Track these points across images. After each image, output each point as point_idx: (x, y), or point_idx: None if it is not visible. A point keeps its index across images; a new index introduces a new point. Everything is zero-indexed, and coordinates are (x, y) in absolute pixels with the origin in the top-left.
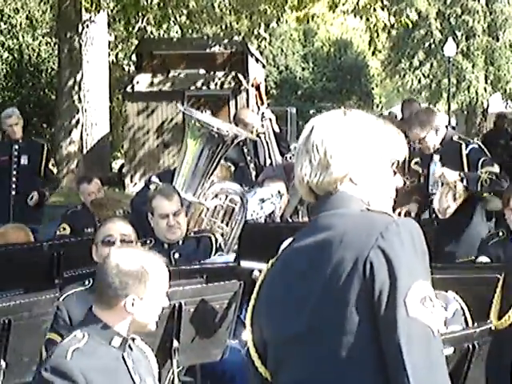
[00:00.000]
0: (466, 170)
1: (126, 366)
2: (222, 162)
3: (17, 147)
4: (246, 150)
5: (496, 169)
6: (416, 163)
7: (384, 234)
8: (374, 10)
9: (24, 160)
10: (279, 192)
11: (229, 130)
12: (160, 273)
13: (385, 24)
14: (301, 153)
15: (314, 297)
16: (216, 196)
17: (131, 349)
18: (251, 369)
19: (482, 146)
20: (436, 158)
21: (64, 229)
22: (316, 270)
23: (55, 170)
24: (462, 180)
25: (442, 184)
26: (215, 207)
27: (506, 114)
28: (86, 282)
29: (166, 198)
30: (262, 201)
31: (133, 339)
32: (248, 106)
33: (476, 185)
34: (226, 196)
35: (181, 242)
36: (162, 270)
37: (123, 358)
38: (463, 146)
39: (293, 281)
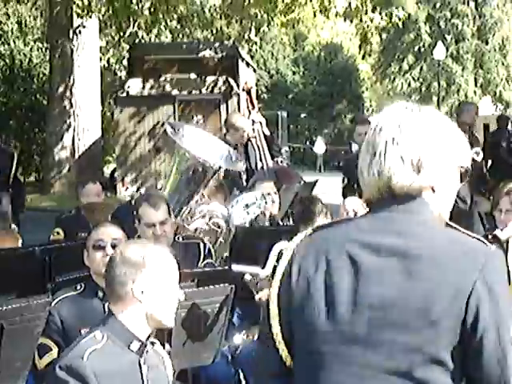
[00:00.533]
0: None
1: (141, 372)
2: (214, 181)
3: None
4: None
5: None
6: None
7: (486, 266)
8: (366, 12)
9: None
10: (263, 195)
11: (215, 163)
12: (163, 263)
13: (376, 26)
14: (387, 147)
15: (398, 307)
16: (203, 217)
17: (148, 353)
18: (269, 355)
19: None
20: None
21: (58, 233)
22: (401, 277)
23: (22, 180)
24: None
25: None
26: (196, 229)
27: (507, 115)
28: (78, 287)
29: (153, 207)
30: (247, 206)
31: (152, 343)
32: (239, 110)
33: None
34: (210, 218)
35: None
36: (166, 261)
37: (139, 363)
38: None
39: (367, 279)
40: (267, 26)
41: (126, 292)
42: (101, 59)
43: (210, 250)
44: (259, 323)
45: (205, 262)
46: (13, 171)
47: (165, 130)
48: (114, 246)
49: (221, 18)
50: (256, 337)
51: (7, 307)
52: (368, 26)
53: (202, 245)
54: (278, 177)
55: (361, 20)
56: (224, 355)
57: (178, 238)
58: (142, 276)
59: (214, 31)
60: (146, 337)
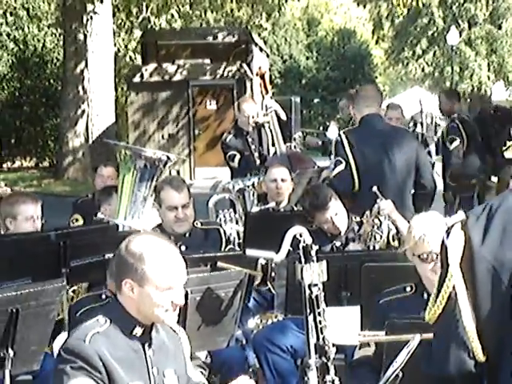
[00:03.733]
0: None
1: (145, 357)
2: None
3: None
4: (250, 140)
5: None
6: None
7: None
8: None
9: None
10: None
11: (156, 154)
12: (163, 265)
13: (390, 10)
14: None
15: None
16: None
17: (154, 336)
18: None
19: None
20: None
21: (77, 220)
22: None
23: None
24: None
25: None
26: None
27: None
28: (103, 296)
29: (176, 190)
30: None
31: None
32: (252, 95)
33: None
34: None
35: (187, 235)
36: (168, 263)
37: (144, 348)
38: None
39: None
40: (278, 12)
41: (120, 286)
42: (114, 44)
43: (229, 236)
44: None
45: (228, 247)
46: None
47: (179, 114)
48: None
49: (232, 1)
50: (270, 321)
51: (22, 292)
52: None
53: (222, 230)
54: (291, 162)
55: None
56: (238, 340)
57: (197, 224)
58: (137, 274)
59: (225, 15)
60: (150, 323)
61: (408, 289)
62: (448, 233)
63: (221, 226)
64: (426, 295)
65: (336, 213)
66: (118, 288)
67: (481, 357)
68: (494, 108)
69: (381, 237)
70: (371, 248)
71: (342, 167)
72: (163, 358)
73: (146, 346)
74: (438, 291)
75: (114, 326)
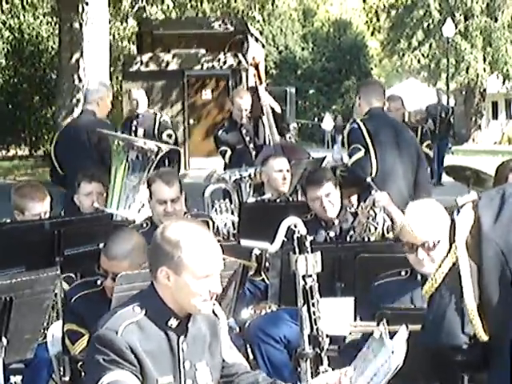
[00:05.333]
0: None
1: (178, 351)
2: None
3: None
4: (244, 131)
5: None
6: (428, 146)
7: None
8: None
9: None
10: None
11: (147, 144)
12: (200, 252)
13: (386, 1)
14: None
15: None
16: None
17: (188, 330)
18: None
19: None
20: None
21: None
22: None
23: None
24: None
25: None
26: None
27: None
28: (98, 282)
29: (166, 184)
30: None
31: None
32: (248, 85)
33: None
34: None
35: None
36: (205, 250)
37: (178, 341)
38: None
39: None
40: (272, 4)
41: (156, 274)
42: (110, 34)
43: (218, 227)
44: None
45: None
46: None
47: (174, 104)
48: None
49: None
50: (264, 312)
51: (16, 280)
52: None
53: (210, 223)
54: (285, 153)
55: None
56: (232, 328)
57: (188, 216)
58: (173, 262)
59: (220, 5)
60: (186, 314)
61: (403, 273)
62: (458, 211)
63: (211, 218)
64: (419, 277)
65: (328, 194)
66: (153, 276)
67: (483, 336)
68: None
69: (375, 228)
70: (366, 239)
71: (360, 154)
72: (198, 349)
73: (181, 338)
74: (440, 266)
75: (148, 316)
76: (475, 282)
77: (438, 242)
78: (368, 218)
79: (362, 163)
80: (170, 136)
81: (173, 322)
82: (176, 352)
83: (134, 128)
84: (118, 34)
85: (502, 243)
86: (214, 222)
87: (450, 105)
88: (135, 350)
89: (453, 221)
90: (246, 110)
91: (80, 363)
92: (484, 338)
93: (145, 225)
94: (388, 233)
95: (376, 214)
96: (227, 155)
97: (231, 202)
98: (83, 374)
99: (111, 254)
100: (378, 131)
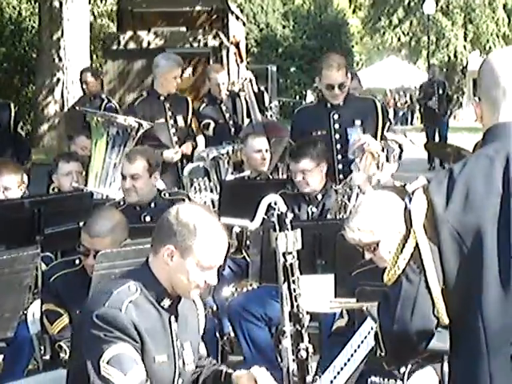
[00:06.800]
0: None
1: (171, 329)
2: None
3: None
4: (224, 108)
5: (398, 137)
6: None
7: None
8: None
9: None
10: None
11: (127, 121)
12: (212, 244)
13: None
14: None
15: None
16: None
17: (178, 311)
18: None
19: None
20: (357, 122)
21: (59, 189)
22: None
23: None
24: (382, 150)
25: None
26: None
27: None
28: (77, 262)
29: (128, 160)
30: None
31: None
32: (228, 63)
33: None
34: None
35: (153, 205)
36: (217, 243)
37: (170, 321)
38: (378, 104)
39: None
40: None
41: (160, 250)
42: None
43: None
44: None
45: None
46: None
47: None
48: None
49: None
50: (245, 289)
51: None
52: None
53: (187, 200)
54: (267, 131)
55: None
56: (207, 306)
57: (165, 195)
58: (184, 244)
59: None
60: (177, 295)
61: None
62: (410, 198)
63: (188, 196)
64: None
65: (303, 170)
66: (154, 251)
67: (445, 319)
68: None
69: (347, 207)
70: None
71: None
72: (183, 329)
73: (172, 318)
74: (400, 252)
75: (144, 295)
76: (438, 265)
77: (377, 243)
78: (343, 197)
79: None
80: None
81: (166, 302)
82: (169, 331)
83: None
84: (98, 11)
85: (456, 224)
86: (190, 200)
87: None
88: (138, 328)
89: (406, 208)
90: (223, 83)
91: (58, 343)
92: (446, 321)
93: (122, 202)
94: None
95: (351, 193)
96: (211, 127)
97: (210, 180)
98: (64, 353)
99: (93, 231)
100: None
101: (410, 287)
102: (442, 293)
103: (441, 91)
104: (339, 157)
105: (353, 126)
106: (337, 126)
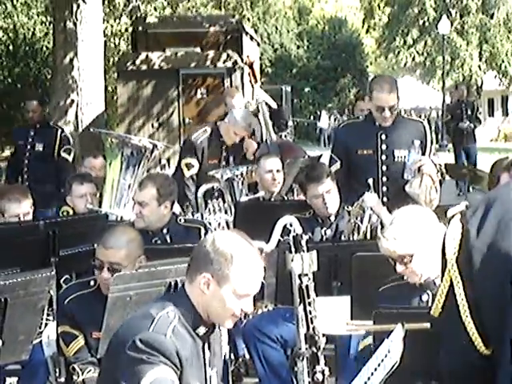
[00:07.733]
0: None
1: (204, 357)
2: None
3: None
4: None
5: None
6: None
7: None
8: None
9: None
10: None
11: (142, 142)
12: (249, 272)
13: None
14: None
15: None
16: None
17: (210, 339)
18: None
19: None
20: (416, 142)
21: (67, 212)
22: None
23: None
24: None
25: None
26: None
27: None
28: (92, 283)
29: (139, 186)
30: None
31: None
32: (243, 84)
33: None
34: None
35: (165, 231)
36: (253, 271)
37: (203, 349)
38: (426, 126)
39: None
40: (263, 2)
41: (197, 277)
42: (104, 33)
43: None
44: None
45: None
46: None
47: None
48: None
49: None
50: (260, 311)
51: (11, 281)
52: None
53: (203, 230)
54: (282, 151)
55: None
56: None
57: (180, 220)
58: (220, 273)
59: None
60: (211, 322)
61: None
62: (449, 222)
63: (204, 225)
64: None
65: (329, 190)
66: (190, 278)
67: (484, 349)
68: None
69: (360, 228)
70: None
71: None
72: (213, 358)
73: (206, 346)
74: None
75: (182, 322)
76: (471, 298)
77: (412, 256)
78: (356, 218)
79: None
80: (69, 152)
81: (201, 330)
82: (202, 359)
83: (30, 140)
84: (112, 32)
85: (487, 250)
86: (206, 232)
87: (446, 102)
88: (179, 355)
89: (445, 235)
90: (240, 108)
91: (72, 365)
92: (486, 351)
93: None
94: (372, 234)
95: (364, 215)
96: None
97: (224, 202)
98: (77, 375)
99: (109, 243)
100: None
101: (449, 321)
102: (474, 323)
103: (469, 112)
104: (384, 179)
105: (400, 148)
106: (384, 146)
